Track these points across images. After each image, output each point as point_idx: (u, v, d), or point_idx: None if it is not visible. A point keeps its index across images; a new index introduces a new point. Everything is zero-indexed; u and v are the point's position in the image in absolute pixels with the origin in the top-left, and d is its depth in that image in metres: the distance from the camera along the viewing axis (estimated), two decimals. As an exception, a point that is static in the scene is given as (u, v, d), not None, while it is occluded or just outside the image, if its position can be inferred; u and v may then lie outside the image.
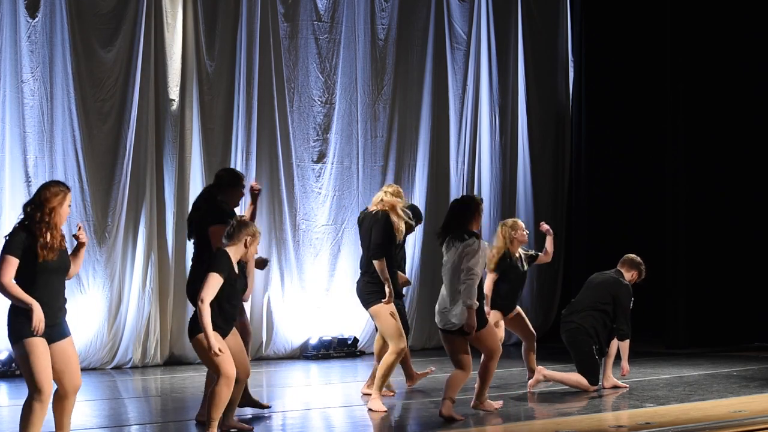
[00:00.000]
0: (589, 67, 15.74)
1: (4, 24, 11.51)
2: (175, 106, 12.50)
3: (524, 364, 10.35)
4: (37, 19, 11.68)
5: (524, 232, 10.10)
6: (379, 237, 8.88)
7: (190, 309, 12.40)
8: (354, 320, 13.57)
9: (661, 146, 14.89)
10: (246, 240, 7.43)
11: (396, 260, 9.20)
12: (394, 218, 8.99)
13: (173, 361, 12.44)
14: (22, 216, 6.44)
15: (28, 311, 6.27)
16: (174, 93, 12.51)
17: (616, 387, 10.06)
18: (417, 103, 14.43)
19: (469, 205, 8.55)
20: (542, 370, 9.89)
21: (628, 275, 10.07)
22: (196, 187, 12.58)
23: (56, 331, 6.43)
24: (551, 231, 10.45)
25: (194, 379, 11.20)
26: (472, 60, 14.93)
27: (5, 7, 11.51)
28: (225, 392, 7.31)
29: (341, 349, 13.45)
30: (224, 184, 8.54)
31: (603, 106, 15.62)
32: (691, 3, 14.60)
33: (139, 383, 11.14)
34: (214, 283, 7.22)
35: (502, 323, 10.09)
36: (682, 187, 14.52)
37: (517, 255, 10.10)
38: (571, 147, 15.87)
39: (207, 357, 7.27)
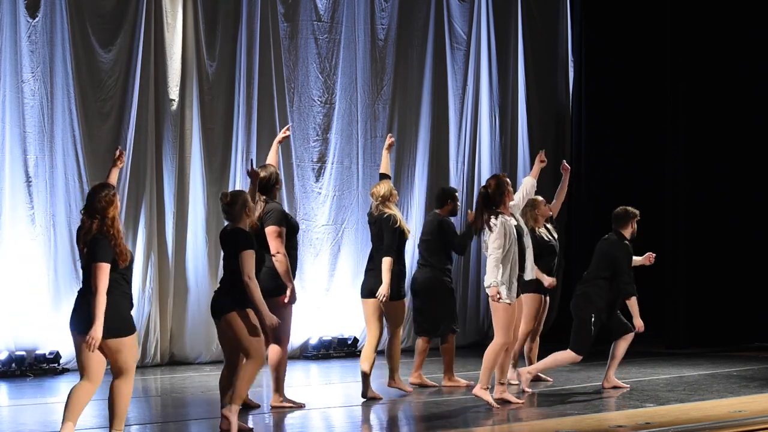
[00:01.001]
0: (589, 67, 15.73)
1: (4, 24, 11.50)
2: (175, 106, 12.50)
3: (525, 363, 10.37)
4: (37, 19, 11.68)
5: (546, 207, 10.37)
6: (389, 239, 9.47)
7: (191, 309, 12.50)
8: (354, 320, 13.56)
9: (661, 146, 14.89)
10: (245, 211, 7.80)
11: (402, 259, 9.75)
12: (401, 222, 9.62)
13: (173, 361, 12.44)
14: (91, 222, 6.92)
15: (121, 308, 6.93)
16: (174, 93, 12.50)
17: (616, 387, 10.05)
18: (417, 103, 14.42)
19: (490, 188, 8.83)
20: (523, 373, 9.89)
21: (627, 232, 10.05)
22: (196, 187, 12.58)
23: None
24: (567, 166, 10.80)
25: (194, 379, 11.20)
26: (472, 60, 14.93)
27: (5, 7, 11.50)
28: (255, 372, 7.73)
29: (341, 349, 13.45)
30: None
31: (603, 106, 15.61)
32: (691, 3, 14.60)
33: (139, 383, 11.12)
34: (252, 260, 7.64)
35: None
36: (682, 187, 14.52)
37: (540, 229, 10.30)
38: (571, 147, 15.86)
39: (240, 336, 7.63)
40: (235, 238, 7.73)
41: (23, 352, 11.41)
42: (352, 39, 13.89)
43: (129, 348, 6.95)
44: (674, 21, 14.66)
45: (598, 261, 9.96)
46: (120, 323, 6.92)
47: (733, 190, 14.51)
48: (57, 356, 11.52)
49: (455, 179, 14.72)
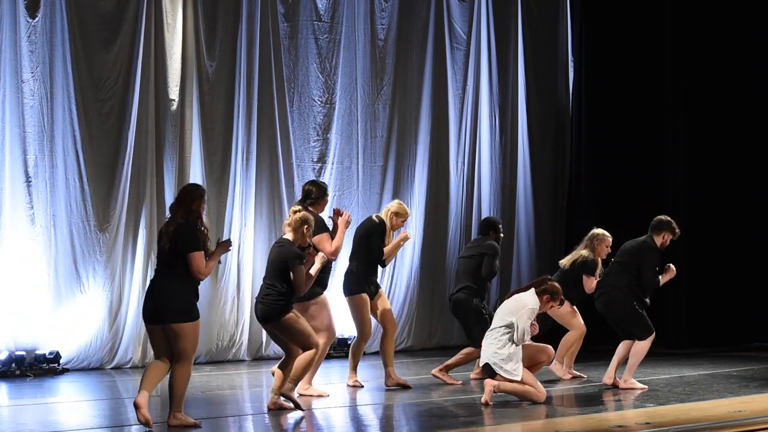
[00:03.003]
0: (589, 67, 15.74)
1: (4, 24, 11.49)
2: (175, 106, 12.50)
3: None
4: (37, 19, 11.67)
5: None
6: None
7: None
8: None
9: (661, 146, 14.89)
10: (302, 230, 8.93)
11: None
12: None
13: (173, 361, 12.42)
14: (179, 215, 7.86)
15: (196, 294, 7.72)
16: (174, 93, 12.50)
17: (615, 387, 10.06)
18: (417, 103, 14.43)
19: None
20: (623, 384, 10.07)
21: (659, 239, 10.21)
22: (196, 187, 12.57)
23: None
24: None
25: (194, 379, 11.15)
26: (472, 60, 14.93)
27: (5, 7, 11.50)
28: (314, 359, 8.80)
29: (341, 349, 13.43)
30: (315, 197, 9.98)
31: (603, 106, 15.61)
32: (691, 3, 14.60)
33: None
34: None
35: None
36: (682, 187, 14.52)
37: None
38: (571, 147, 15.87)
39: (298, 332, 8.60)
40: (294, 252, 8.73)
41: (23, 352, 11.40)
42: (352, 39, 13.89)
43: (190, 333, 7.63)
44: (674, 21, 14.66)
45: (621, 262, 10.18)
46: (189, 308, 7.64)
47: (733, 190, 14.51)
48: (57, 356, 11.52)
49: (455, 179, 14.72)
